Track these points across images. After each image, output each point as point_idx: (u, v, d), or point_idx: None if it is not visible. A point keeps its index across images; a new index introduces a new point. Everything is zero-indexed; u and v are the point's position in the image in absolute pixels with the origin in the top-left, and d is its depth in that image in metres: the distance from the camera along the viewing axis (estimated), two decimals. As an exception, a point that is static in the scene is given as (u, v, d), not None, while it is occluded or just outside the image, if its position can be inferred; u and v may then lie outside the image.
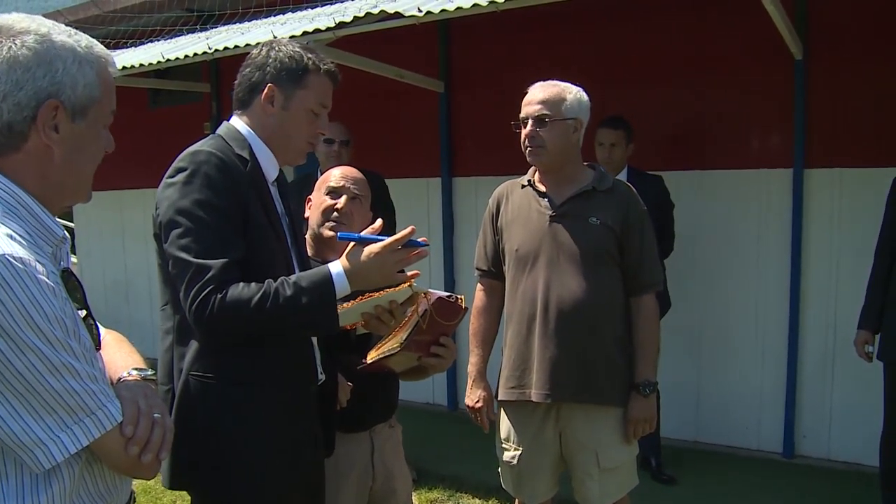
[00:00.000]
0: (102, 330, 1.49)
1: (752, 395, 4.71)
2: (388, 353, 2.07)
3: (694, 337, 4.85)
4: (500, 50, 5.32)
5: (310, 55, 1.98)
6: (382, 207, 4.36)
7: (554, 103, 2.65)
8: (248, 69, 1.98)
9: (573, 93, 2.70)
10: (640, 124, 4.82)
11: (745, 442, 4.74)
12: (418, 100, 5.60)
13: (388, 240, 1.86)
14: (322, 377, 2.11)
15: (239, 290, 1.75)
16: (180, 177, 1.82)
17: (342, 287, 1.84)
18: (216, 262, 1.75)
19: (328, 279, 1.82)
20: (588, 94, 2.76)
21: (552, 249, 2.66)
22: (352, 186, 2.44)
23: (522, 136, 2.69)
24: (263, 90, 1.95)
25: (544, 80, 2.74)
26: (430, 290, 2.05)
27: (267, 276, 1.82)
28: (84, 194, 1.37)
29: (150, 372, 1.41)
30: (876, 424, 3.62)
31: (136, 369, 1.39)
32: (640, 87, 4.90)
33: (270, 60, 1.96)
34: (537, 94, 2.68)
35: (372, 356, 2.11)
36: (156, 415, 1.27)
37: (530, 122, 2.66)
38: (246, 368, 1.88)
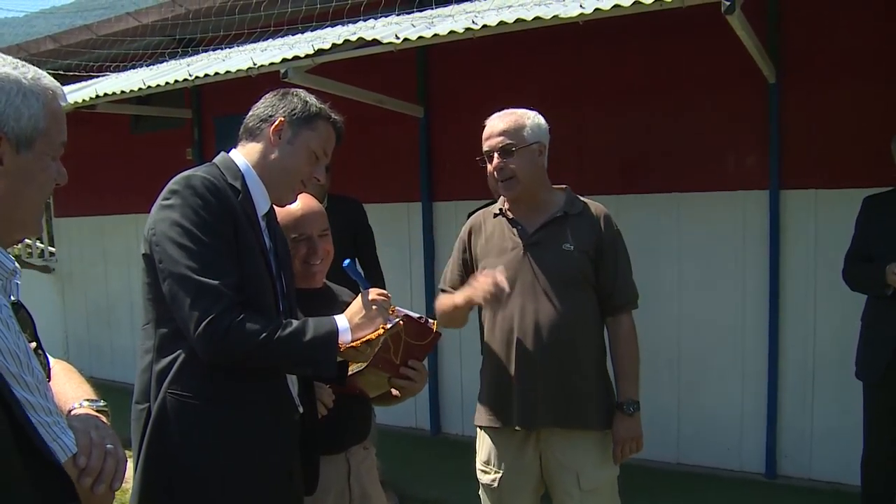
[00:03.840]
0: (51, 360, 1.48)
1: (733, 416, 4.71)
2: (356, 370, 2.09)
3: (674, 358, 4.85)
4: (479, 74, 5.35)
5: (324, 106, 2.08)
6: (362, 233, 4.34)
7: (515, 131, 2.65)
8: (263, 105, 2.08)
9: (531, 118, 2.70)
10: (617, 147, 4.90)
11: (727, 463, 4.73)
12: (398, 125, 5.62)
13: (378, 296, 1.99)
14: (300, 409, 2.11)
15: (251, 318, 1.80)
16: (175, 199, 1.85)
17: (344, 340, 1.93)
18: (224, 282, 1.80)
19: (334, 331, 1.91)
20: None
21: (527, 278, 2.66)
22: (318, 227, 2.41)
23: (490, 169, 2.69)
24: (274, 122, 2.01)
25: (501, 111, 2.74)
26: (398, 307, 2.06)
27: (257, 306, 1.87)
28: (33, 227, 1.36)
29: (101, 403, 1.41)
30: (857, 444, 3.62)
31: (87, 400, 1.40)
32: (616, 110, 4.93)
33: (287, 101, 2.05)
34: (497, 126, 2.68)
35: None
36: (108, 446, 1.26)
37: (496, 155, 2.65)
38: (227, 389, 1.89)
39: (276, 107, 2.05)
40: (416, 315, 2.08)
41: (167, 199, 1.88)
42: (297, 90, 2.11)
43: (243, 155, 2.05)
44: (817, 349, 4.42)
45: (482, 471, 2.81)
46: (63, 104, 1.34)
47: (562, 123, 4.97)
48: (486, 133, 2.71)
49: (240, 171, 2.00)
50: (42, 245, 8.89)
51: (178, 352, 1.87)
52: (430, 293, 5.59)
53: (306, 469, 2.18)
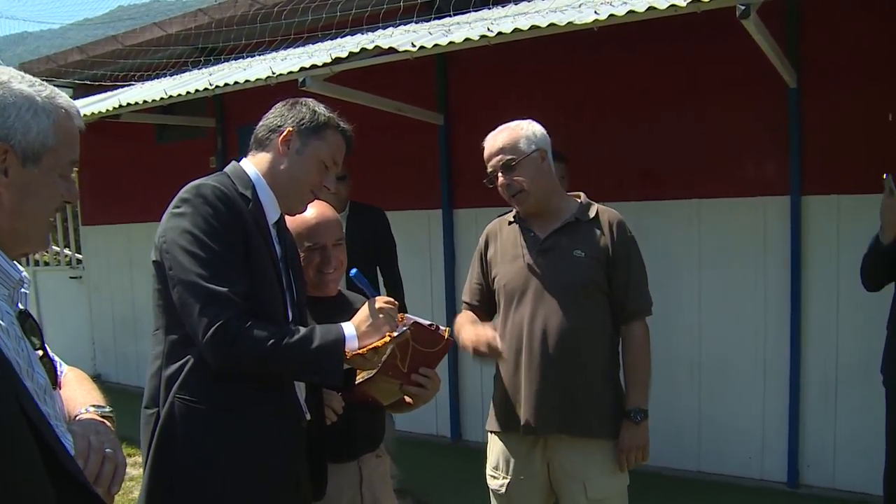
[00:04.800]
0: (64, 367, 1.51)
1: (755, 425, 4.65)
2: (366, 377, 2.09)
3: (694, 366, 4.80)
4: (498, 81, 5.34)
5: (332, 115, 2.09)
6: (383, 242, 4.34)
7: (512, 146, 2.68)
8: (273, 116, 2.09)
9: (524, 128, 2.72)
10: (635, 154, 4.86)
11: (749, 472, 4.66)
12: (418, 132, 5.63)
13: (386, 304, 2.00)
14: (307, 416, 2.12)
15: (259, 325, 1.82)
16: (186, 207, 1.88)
17: (351, 347, 1.92)
18: (233, 289, 1.82)
19: (341, 338, 1.91)
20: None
21: (538, 285, 2.67)
22: (332, 237, 2.41)
23: (499, 188, 2.72)
24: (283, 133, 2.02)
25: (494, 130, 2.75)
26: (407, 314, 2.07)
27: (266, 313, 1.89)
28: (37, 241, 1.37)
29: (107, 409, 1.43)
30: (881, 453, 3.53)
31: (93, 406, 1.42)
32: (635, 116, 4.90)
33: (295, 111, 2.06)
34: (495, 145, 2.71)
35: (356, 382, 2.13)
36: (107, 450, 1.28)
37: (500, 173, 2.69)
38: (233, 395, 1.91)
39: (285, 117, 2.07)
40: (426, 322, 2.07)
41: (178, 207, 1.91)
42: (307, 99, 2.12)
43: (254, 164, 2.07)
44: (840, 356, 4.36)
45: (491, 476, 2.81)
46: (78, 124, 1.37)
47: (580, 129, 5.10)
48: (486, 155, 2.74)
49: (250, 180, 2.02)
50: (70, 252, 9.02)
51: (187, 358, 1.90)
52: (451, 301, 5.62)
53: (314, 475, 2.18)
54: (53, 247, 8.87)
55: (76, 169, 1.40)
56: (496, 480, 2.78)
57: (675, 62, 4.75)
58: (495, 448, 2.80)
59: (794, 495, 4.42)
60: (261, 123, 2.11)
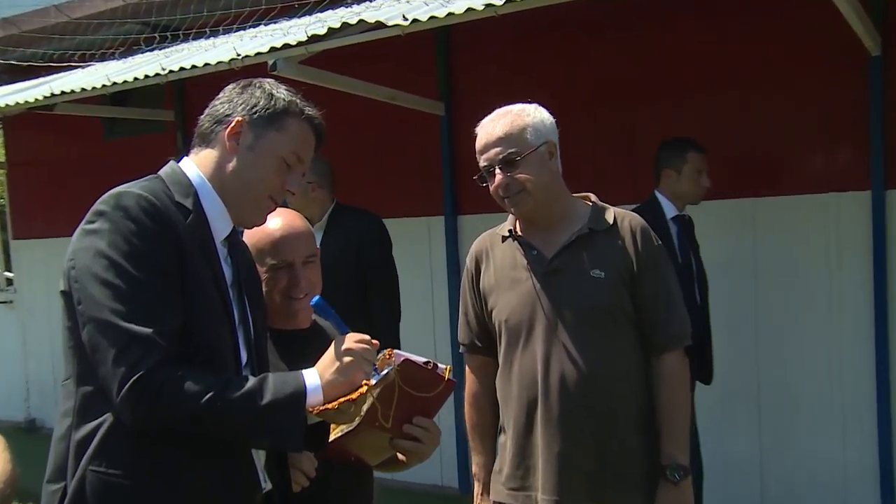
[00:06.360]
0: None
1: (834, 469, 4.52)
2: (346, 431, 1.97)
3: (752, 398, 4.71)
4: (511, 64, 5.29)
5: (295, 98, 1.97)
6: (370, 258, 4.18)
7: (516, 135, 2.55)
8: (219, 102, 1.98)
9: (531, 114, 2.61)
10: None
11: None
12: (415, 125, 5.59)
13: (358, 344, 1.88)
14: (266, 486, 2.02)
15: (192, 375, 1.70)
16: (102, 222, 1.76)
17: (314, 402, 1.82)
18: (159, 329, 1.70)
19: (300, 391, 1.80)
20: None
21: (549, 316, 2.57)
22: (302, 252, 2.31)
23: (493, 188, 2.61)
24: (231, 124, 1.91)
25: (493, 113, 2.68)
26: (397, 350, 1.97)
27: (208, 358, 1.78)
28: None
29: None
30: None
31: None
32: (675, 100, 4.86)
33: (247, 95, 1.95)
34: (493, 132, 2.58)
35: (333, 437, 2.03)
36: None
37: (497, 169, 2.56)
38: (168, 465, 1.79)
39: (234, 103, 1.94)
40: (420, 360, 1.97)
41: (91, 222, 1.77)
42: (264, 81, 2.00)
43: (196, 165, 1.94)
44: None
45: None
46: None
47: (612, 117, 5.06)
48: (480, 143, 2.62)
49: (191, 185, 1.89)
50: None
51: (105, 416, 1.76)
52: (456, 324, 5.47)
53: None
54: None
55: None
56: None
57: (725, 34, 4.69)
58: None
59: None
60: (206, 112, 1.99)
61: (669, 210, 4.08)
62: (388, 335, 3.91)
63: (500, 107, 2.71)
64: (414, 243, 5.61)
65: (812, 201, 4.52)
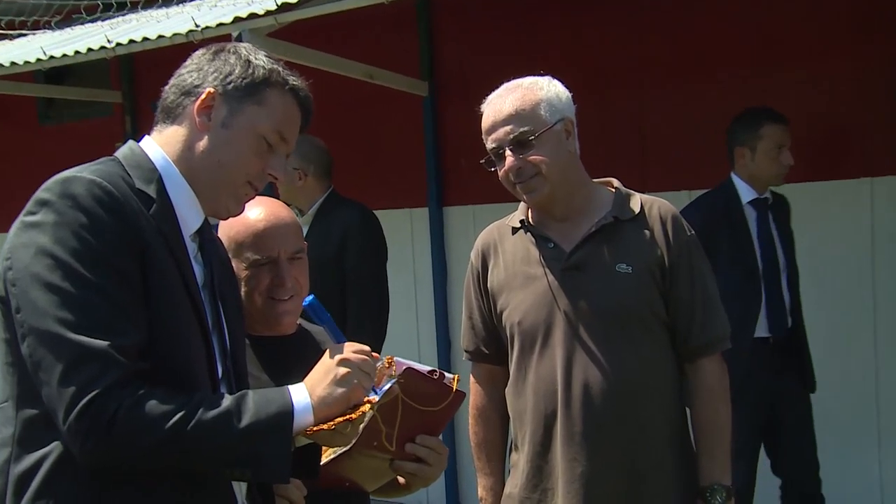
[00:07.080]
0: None
1: (870, 494, 4.52)
2: (340, 453, 1.95)
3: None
4: (505, 39, 5.30)
5: (277, 66, 1.88)
6: (352, 251, 4.07)
7: (529, 112, 2.49)
8: (186, 70, 1.88)
9: (545, 88, 2.54)
10: (692, 128, 4.79)
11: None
12: (396, 106, 5.60)
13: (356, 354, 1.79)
14: None
15: (156, 394, 1.60)
16: (45, 213, 1.62)
17: (303, 423, 1.72)
18: (117, 342, 1.58)
19: (287, 410, 1.70)
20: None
21: (569, 317, 2.53)
22: (288, 247, 2.26)
23: (502, 173, 2.54)
24: (201, 96, 1.79)
25: (501, 87, 2.61)
26: (397, 358, 1.94)
27: (175, 373, 1.68)
28: None
29: None
30: None
31: None
32: (690, 79, 4.88)
33: (219, 62, 1.85)
34: (502, 108, 2.52)
35: (324, 460, 1.99)
36: None
37: (507, 151, 2.50)
38: (124, 501, 1.67)
39: (205, 71, 1.83)
40: (424, 368, 1.95)
41: (32, 213, 1.64)
42: (239, 45, 1.90)
43: (160, 145, 1.82)
44: None
45: None
46: None
47: (618, 100, 5.05)
48: (487, 122, 2.56)
49: (155, 169, 1.77)
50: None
51: (52, 446, 1.64)
52: (443, 330, 5.63)
53: None
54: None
55: None
56: None
57: (744, 9, 4.67)
58: None
59: None
60: (170, 82, 1.88)
61: (746, 193, 3.88)
62: (360, 333, 3.74)
63: (489, 87, 2.63)
64: (395, 237, 5.47)
65: (844, 187, 4.54)
